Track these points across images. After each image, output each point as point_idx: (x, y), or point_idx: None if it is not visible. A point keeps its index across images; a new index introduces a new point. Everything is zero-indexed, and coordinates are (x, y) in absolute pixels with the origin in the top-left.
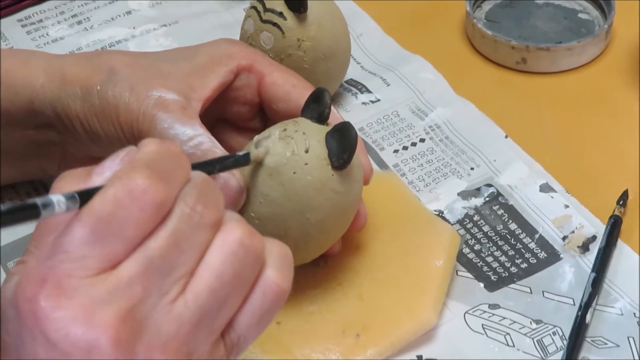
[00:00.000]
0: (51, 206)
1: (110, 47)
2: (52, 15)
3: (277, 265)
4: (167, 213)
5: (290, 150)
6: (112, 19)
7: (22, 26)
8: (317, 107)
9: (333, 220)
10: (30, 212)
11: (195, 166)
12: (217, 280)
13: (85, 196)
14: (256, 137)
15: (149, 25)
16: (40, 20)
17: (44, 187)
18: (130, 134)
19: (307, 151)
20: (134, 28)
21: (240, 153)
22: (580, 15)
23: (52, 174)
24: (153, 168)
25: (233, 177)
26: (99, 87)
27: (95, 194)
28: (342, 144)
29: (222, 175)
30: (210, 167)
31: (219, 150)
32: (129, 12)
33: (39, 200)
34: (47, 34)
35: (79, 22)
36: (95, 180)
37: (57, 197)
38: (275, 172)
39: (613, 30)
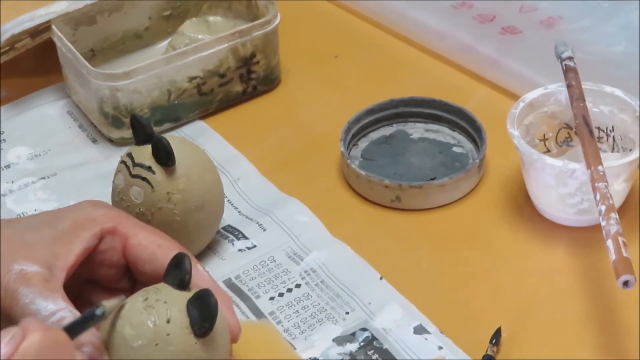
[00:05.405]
0: None
1: None
2: None
3: None
4: None
5: (152, 321)
6: None
7: None
8: (178, 273)
9: None
10: None
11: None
12: None
13: None
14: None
15: (28, 179)
16: None
17: None
18: None
19: (168, 321)
20: (13, 182)
21: (97, 312)
22: (454, 149)
23: None
24: None
25: (100, 356)
26: None
27: None
28: (203, 313)
29: (86, 351)
30: (76, 330)
31: None
32: (7, 166)
33: None
34: None
35: None
36: None
37: None
38: (138, 344)
39: (487, 163)
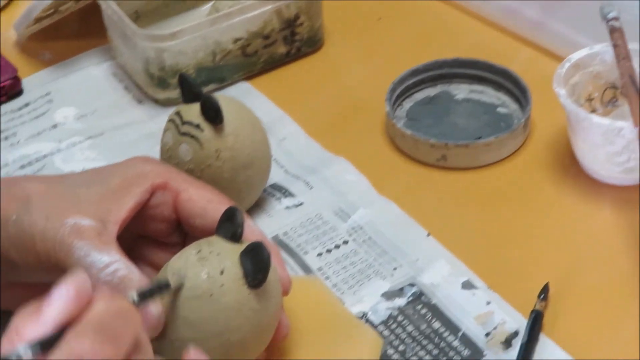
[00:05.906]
0: None
1: (37, 162)
2: None
3: None
4: None
5: (206, 272)
6: (39, 133)
7: None
8: (230, 226)
9: (254, 337)
10: None
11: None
12: None
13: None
14: (171, 261)
15: (75, 138)
16: None
17: None
18: (48, 263)
19: (222, 272)
20: (60, 142)
21: (164, 282)
22: (499, 109)
23: None
24: (102, 331)
25: (153, 304)
26: (14, 217)
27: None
28: (256, 264)
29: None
30: (142, 300)
31: (135, 277)
32: (54, 126)
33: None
34: None
35: (6, 138)
36: (45, 318)
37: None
38: (193, 295)
39: (532, 123)
